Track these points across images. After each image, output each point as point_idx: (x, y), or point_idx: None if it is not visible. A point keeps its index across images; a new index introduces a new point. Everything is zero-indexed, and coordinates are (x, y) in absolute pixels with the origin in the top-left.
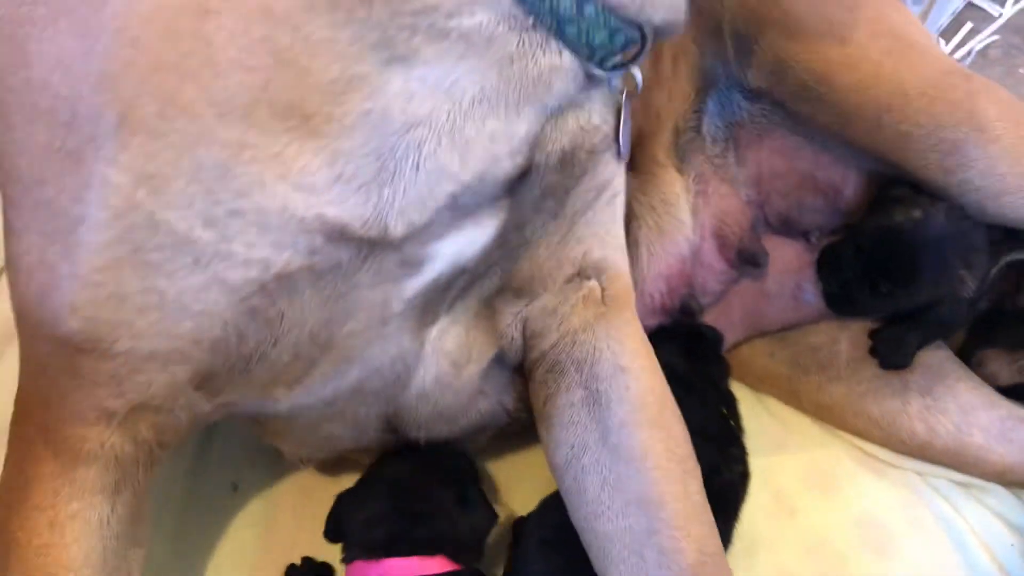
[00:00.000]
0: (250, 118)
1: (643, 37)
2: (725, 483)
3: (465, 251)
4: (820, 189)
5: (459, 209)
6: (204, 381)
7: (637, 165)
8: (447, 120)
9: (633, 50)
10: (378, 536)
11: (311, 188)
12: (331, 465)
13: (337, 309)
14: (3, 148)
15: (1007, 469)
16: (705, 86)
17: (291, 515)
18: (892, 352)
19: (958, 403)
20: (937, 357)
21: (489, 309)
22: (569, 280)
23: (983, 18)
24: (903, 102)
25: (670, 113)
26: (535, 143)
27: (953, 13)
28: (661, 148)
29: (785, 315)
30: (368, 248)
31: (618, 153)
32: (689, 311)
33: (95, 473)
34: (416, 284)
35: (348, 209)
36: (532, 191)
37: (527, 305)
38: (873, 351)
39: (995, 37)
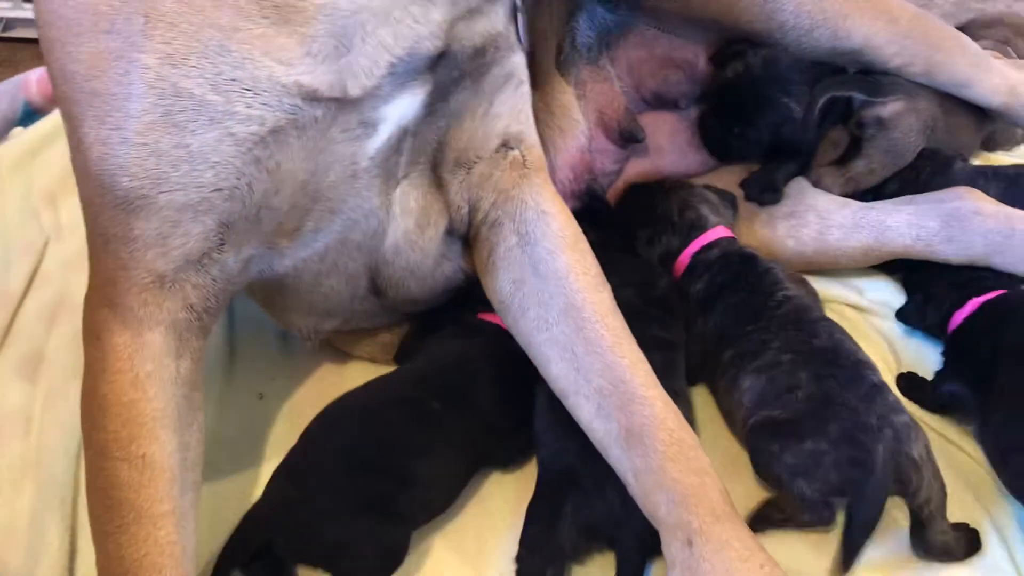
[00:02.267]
0: (238, 8)
1: None
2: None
3: (406, 113)
4: (678, 66)
5: (397, 77)
6: (227, 232)
7: (535, 81)
8: (381, 5)
9: None
10: None
11: (288, 62)
12: (340, 351)
13: (319, 161)
14: (61, 62)
15: (867, 250)
16: (574, 7)
17: (311, 411)
18: (763, 191)
19: (817, 213)
20: (796, 187)
21: (439, 181)
22: (496, 150)
23: None
24: None
25: (553, 32)
26: (449, 33)
27: None
28: (551, 63)
29: (677, 167)
30: (336, 107)
31: (519, 46)
32: (594, 193)
33: (159, 337)
34: (375, 143)
35: (317, 77)
36: (451, 71)
37: (467, 173)
38: (747, 195)
39: None
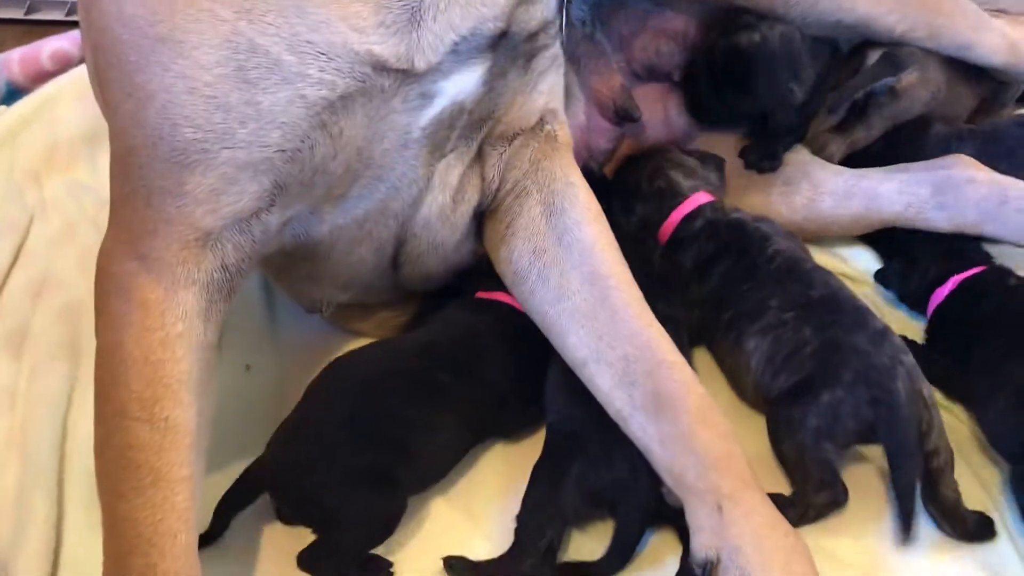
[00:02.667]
0: None
1: None
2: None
3: (463, 89)
4: (671, 37)
5: (459, 55)
6: (279, 192)
7: None
8: None
9: None
10: None
11: (363, 30)
12: (327, 324)
13: (377, 128)
14: (120, 6)
15: (858, 217)
16: None
17: (299, 387)
18: (762, 159)
19: (810, 181)
20: (791, 154)
21: (480, 156)
22: (535, 127)
23: None
24: None
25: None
26: (511, 16)
27: None
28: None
29: (657, 134)
30: (401, 78)
31: (562, 35)
32: (591, 172)
33: (193, 297)
34: (429, 114)
35: (388, 48)
36: (509, 51)
37: (508, 146)
38: (747, 163)
39: None
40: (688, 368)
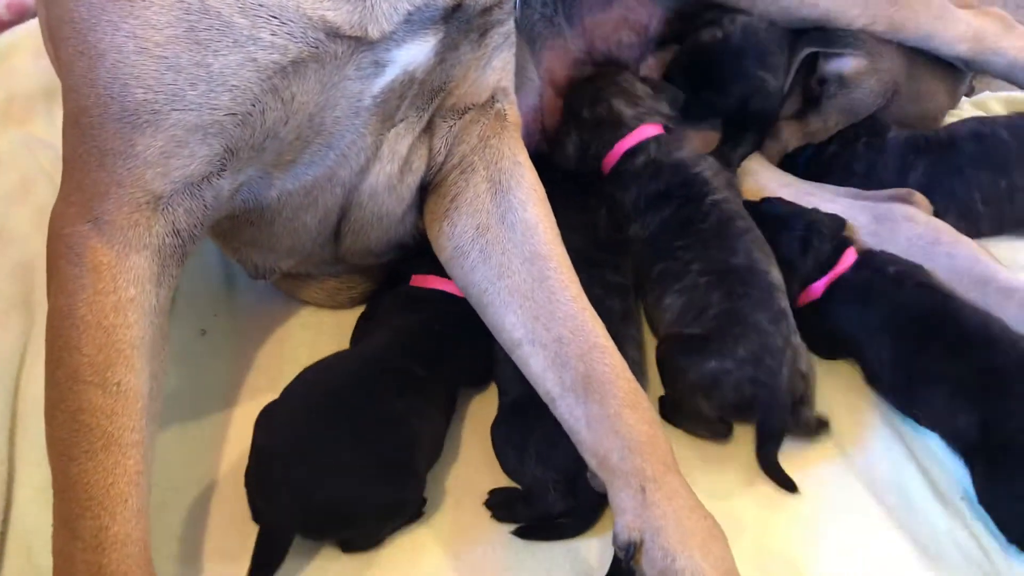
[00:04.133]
0: None
1: None
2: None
3: (415, 59)
4: (633, 28)
5: (413, 24)
6: (230, 158)
7: None
8: None
9: None
10: None
11: None
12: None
13: (330, 95)
14: None
15: None
16: None
17: (253, 347)
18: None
19: (759, 189)
20: (748, 163)
21: (429, 128)
22: (486, 103)
23: None
24: None
25: None
26: None
27: None
28: None
29: None
30: (354, 45)
31: (516, 12)
32: (542, 154)
33: (145, 261)
34: (381, 83)
35: (342, 15)
36: (462, 24)
37: (457, 119)
38: None
39: None
40: (618, 354)
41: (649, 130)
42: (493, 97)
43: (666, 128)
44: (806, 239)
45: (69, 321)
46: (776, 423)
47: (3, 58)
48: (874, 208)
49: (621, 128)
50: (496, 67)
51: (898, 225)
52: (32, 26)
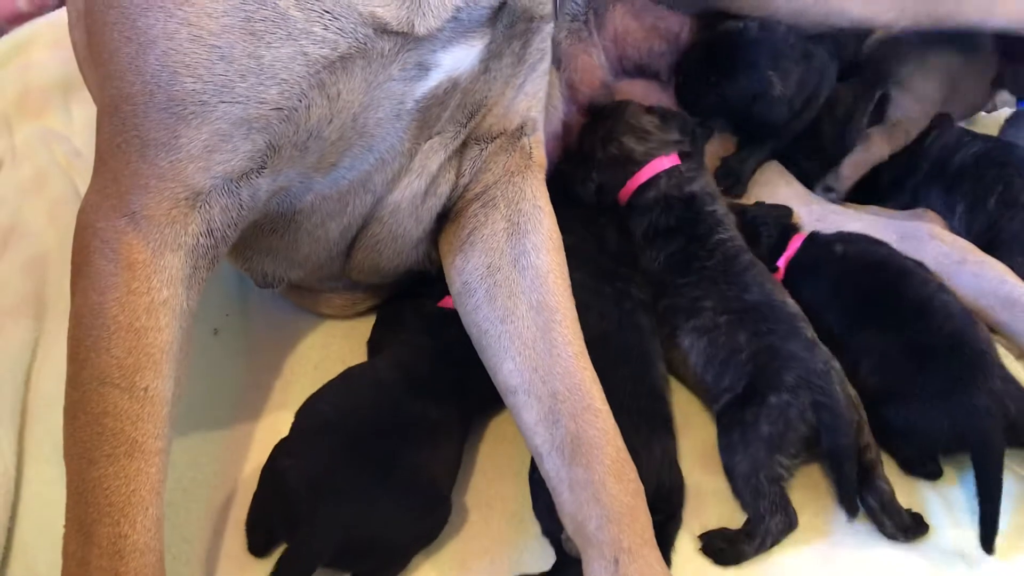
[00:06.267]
0: None
1: None
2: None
3: (460, 64)
4: (663, 37)
5: (459, 24)
6: (272, 155)
7: None
8: None
9: None
10: None
11: None
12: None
13: (374, 95)
14: None
15: None
16: None
17: (265, 348)
18: (726, 178)
19: (776, 200)
20: (769, 174)
21: (460, 150)
22: (515, 132)
23: None
24: None
25: None
26: None
27: None
28: None
29: None
30: (401, 42)
31: (554, 20)
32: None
33: (179, 262)
34: (425, 86)
35: (391, 11)
36: (506, 28)
37: (487, 145)
38: (717, 173)
39: None
40: (612, 419)
41: (662, 163)
42: (522, 127)
43: (682, 155)
44: (754, 231)
45: (99, 320)
46: (846, 442)
47: (21, 50)
48: (900, 227)
49: (633, 165)
50: (528, 92)
51: (924, 243)
52: (51, 19)
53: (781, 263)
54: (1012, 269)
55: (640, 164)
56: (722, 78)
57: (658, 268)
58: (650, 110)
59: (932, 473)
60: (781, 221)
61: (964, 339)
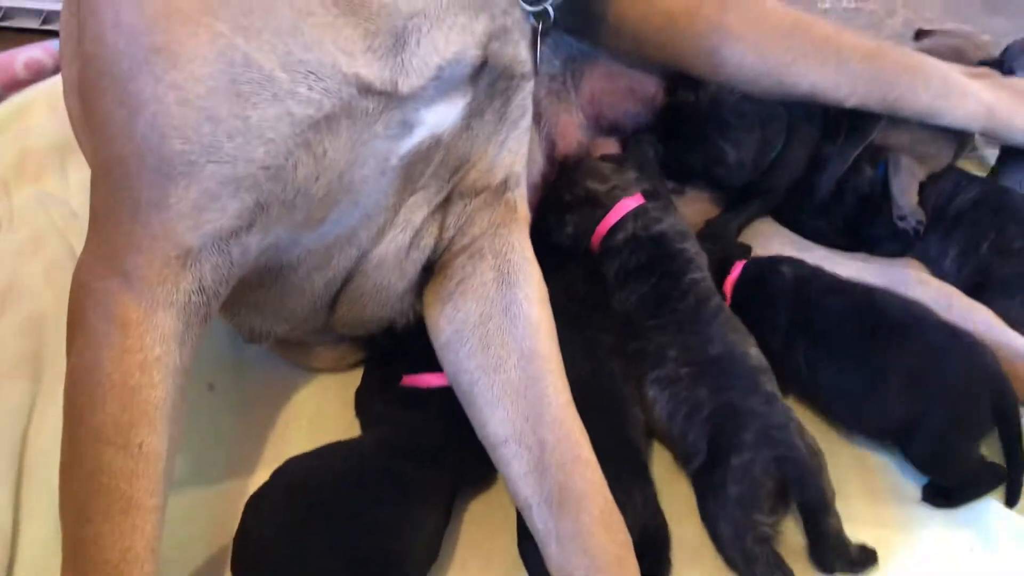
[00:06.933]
0: None
1: None
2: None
3: (443, 121)
4: (638, 99)
5: (442, 83)
6: (261, 214)
7: None
8: (435, 12)
9: None
10: None
11: (351, 53)
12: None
13: (359, 153)
14: (118, 13)
15: None
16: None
17: (260, 401)
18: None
19: (769, 251)
20: (757, 226)
21: (444, 206)
22: (498, 187)
23: None
24: (672, 24)
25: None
26: (487, 47)
27: None
28: None
29: None
30: (384, 102)
31: (534, 76)
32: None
33: (171, 319)
34: (409, 143)
35: (374, 71)
36: (487, 86)
37: (472, 199)
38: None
39: None
40: (599, 471)
41: (628, 204)
42: (506, 182)
43: (648, 194)
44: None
45: (94, 378)
46: (815, 491)
47: (19, 116)
48: (887, 272)
49: (600, 208)
50: (511, 148)
51: (911, 288)
52: (48, 85)
53: (727, 287)
54: (998, 313)
55: (607, 207)
56: (679, 150)
57: (629, 308)
58: (605, 158)
59: (997, 476)
60: (725, 246)
61: (927, 321)
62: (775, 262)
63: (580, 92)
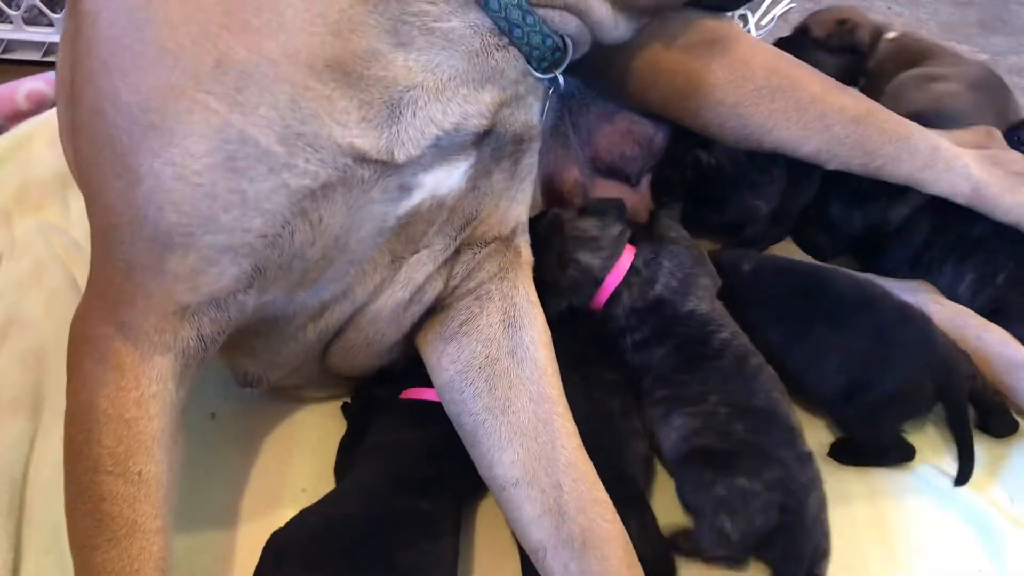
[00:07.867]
0: (311, 68)
1: (565, 45)
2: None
3: (445, 184)
4: (637, 141)
5: (441, 149)
6: (258, 275)
7: None
8: (433, 86)
9: (559, 56)
10: None
11: (346, 124)
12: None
13: (356, 217)
14: (116, 89)
15: None
16: None
17: (263, 430)
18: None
19: None
20: None
21: (452, 258)
22: (508, 237)
23: None
24: (656, 81)
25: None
26: (496, 115)
27: None
28: None
29: None
30: (380, 169)
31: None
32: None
33: (169, 362)
34: (407, 205)
35: (369, 141)
36: (495, 150)
37: (481, 248)
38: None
39: (793, 4)
40: (614, 510)
41: (618, 273)
42: (515, 230)
43: (635, 239)
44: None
45: (91, 415)
46: (799, 558)
47: (21, 147)
48: (901, 293)
49: (593, 285)
50: (520, 200)
51: (927, 307)
52: (50, 115)
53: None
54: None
55: (599, 281)
56: (712, 212)
57: (654, 365)
58: (582, 212)
59: (906, 455)
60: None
61: (910, 310)
62: (737, 261)
63: (578, 132)
